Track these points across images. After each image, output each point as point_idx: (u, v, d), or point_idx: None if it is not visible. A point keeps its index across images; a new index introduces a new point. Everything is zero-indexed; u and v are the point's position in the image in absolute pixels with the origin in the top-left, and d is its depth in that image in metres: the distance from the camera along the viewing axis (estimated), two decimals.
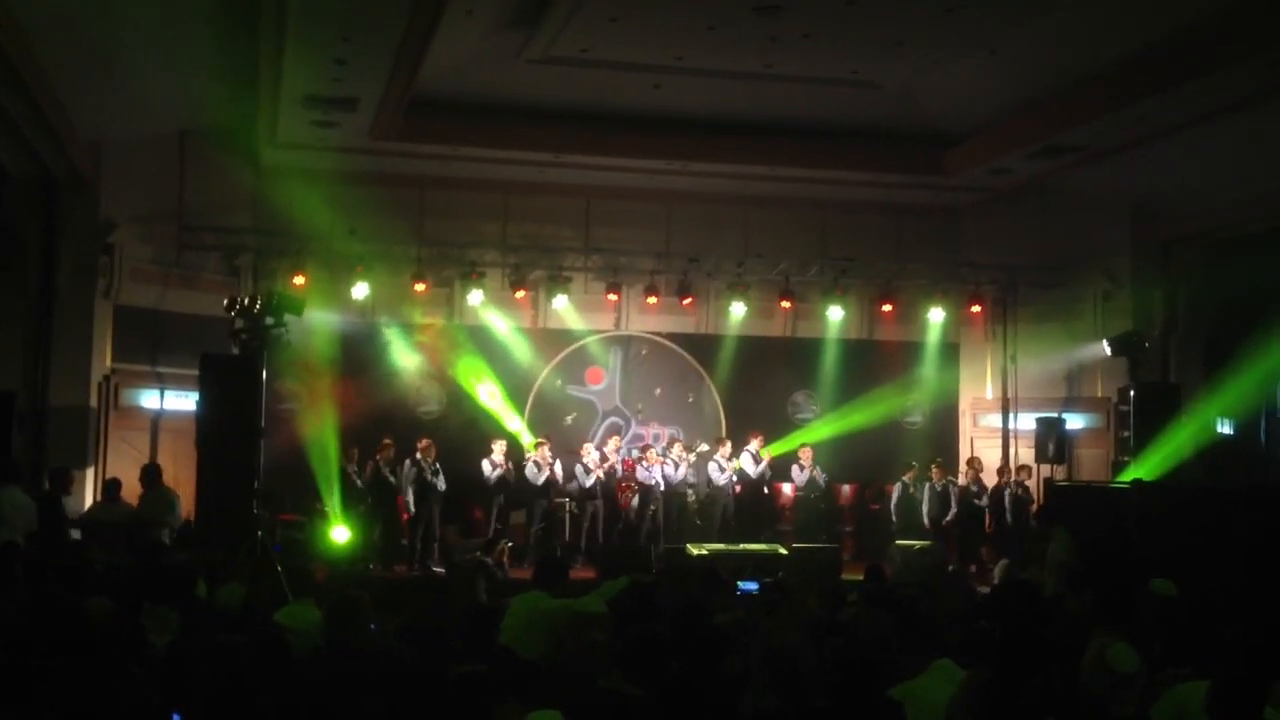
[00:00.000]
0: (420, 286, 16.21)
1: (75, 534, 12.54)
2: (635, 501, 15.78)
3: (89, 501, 13.93)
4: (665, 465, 16.05)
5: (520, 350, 17.23)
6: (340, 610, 6.42)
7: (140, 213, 15.60)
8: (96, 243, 15.07)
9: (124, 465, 14.58)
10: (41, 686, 5.48)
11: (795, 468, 16.60)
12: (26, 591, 7.98)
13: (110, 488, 13.19)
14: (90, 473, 14.59)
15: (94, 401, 15.02)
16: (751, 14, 12.54)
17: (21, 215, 14.98)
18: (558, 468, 15.85)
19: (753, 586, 9.25)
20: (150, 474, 13.29)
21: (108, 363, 15.29)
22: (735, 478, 16.23)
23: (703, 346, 18.05)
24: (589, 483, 15.74)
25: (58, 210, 15.05)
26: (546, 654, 6.95)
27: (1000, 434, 18.39)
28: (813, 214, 18.12)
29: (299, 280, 15.50)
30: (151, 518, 12.63)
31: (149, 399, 15.59)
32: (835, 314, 17.68)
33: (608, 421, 17.70)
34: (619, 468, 15.98)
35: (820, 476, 16.50)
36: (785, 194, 17.71)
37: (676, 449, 16.35)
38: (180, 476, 13.80)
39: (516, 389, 17.17)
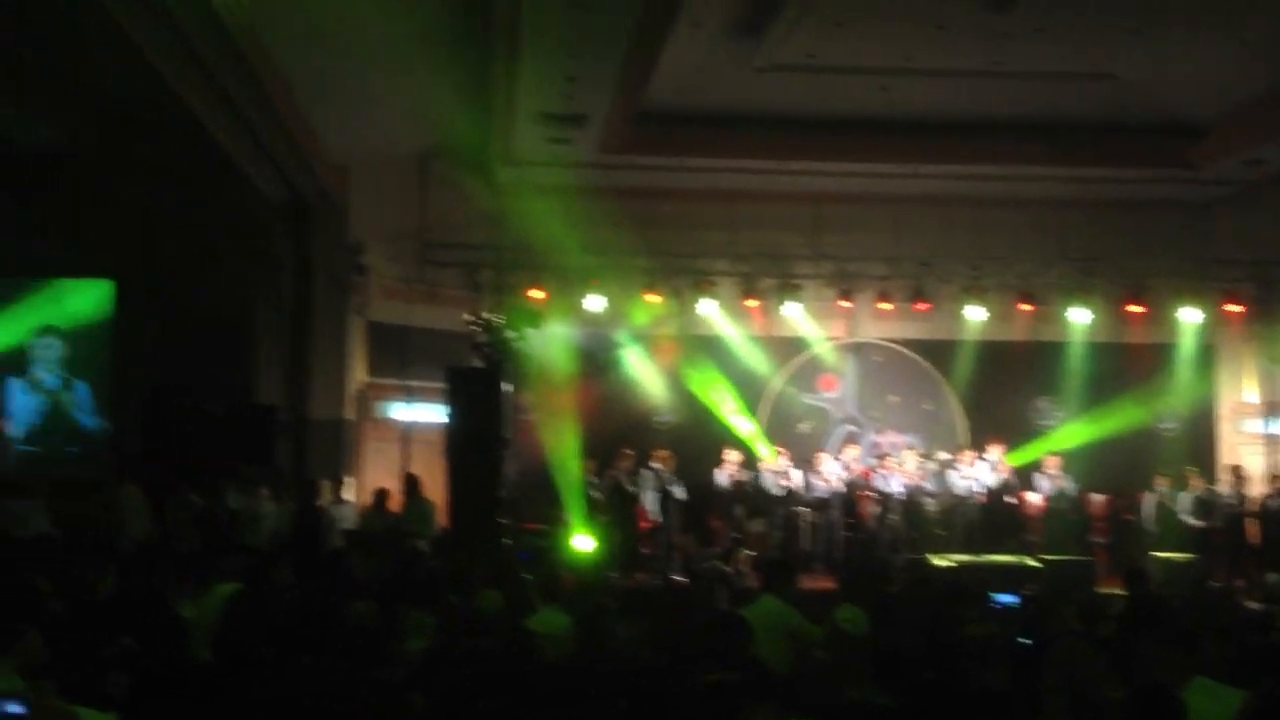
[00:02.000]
0: (652, 297, 16.40)
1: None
2: (875, 511, 15.53)
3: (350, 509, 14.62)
4: (904, 474, 15.72)
5: (753, 358, 17.23)
6: (590, 617, 6.53)
7: (387, 232, 16.22)
8: (348, 262, 15.78)
9: (379, 475, 15.27)
10: (306, 685, 5.74)
11: (1042, 477, 15.97)
12: (291, 596, 8.36)
13: (378, 498, 13.90)
14: (349, 482, 15.23)
15: (350, 414, 15.73)
16: (981, 11, 12.21)
17: (278, 238, 15.82)
18: (796, 476, 15.73)
19: (1009, 599, 8.95)
20: (411, 485, 13.97)
21: (362, 376, 16.00)
22: (978, 487, 15.78)
23: (939, 352, 17.63)
24: (826, 492, 15.57)
25: (311, 232, 15.83)
26: (793, 664, 6.90)
27: (1264, 440, 17.32)
28: (1050, 213, 17.43)
29: (537, 294, 15.88)
30: (409, 527, 13.23)
31: (400, 411, 16.23)
32: (1079, 316, 17.01)
33: (842, 429, 17.49)
34: (858, 477, 15.76)
35: (1070, 485, 15.84)
36: (1020, 194, 17.14)
37: (915, 457, 16.01)
38: (430, 485, 14.29)
39: (750, 397, 17.16)
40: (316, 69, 12.33)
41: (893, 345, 17.75)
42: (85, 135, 14.61)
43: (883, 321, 17.51)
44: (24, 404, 15.94)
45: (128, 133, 14.52)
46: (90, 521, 12.96)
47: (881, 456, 16.26)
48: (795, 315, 16.93)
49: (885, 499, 15.54)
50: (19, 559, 9.80)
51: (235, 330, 15.69)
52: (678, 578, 14.63)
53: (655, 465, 15.29)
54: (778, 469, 15.71)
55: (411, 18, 11.64)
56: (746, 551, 14.62)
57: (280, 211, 15.69)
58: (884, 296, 16.90)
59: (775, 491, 15.58)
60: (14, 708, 4.56)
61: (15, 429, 15.90)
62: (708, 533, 15.96)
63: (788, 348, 17.51)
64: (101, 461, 15.09)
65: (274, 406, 15.02)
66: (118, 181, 15.15)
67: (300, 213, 15.75)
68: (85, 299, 16.06)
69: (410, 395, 16.26)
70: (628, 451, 15.34)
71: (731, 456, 15.71)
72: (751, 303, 16.75)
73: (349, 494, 14.96)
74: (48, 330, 16.00)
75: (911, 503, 15.58)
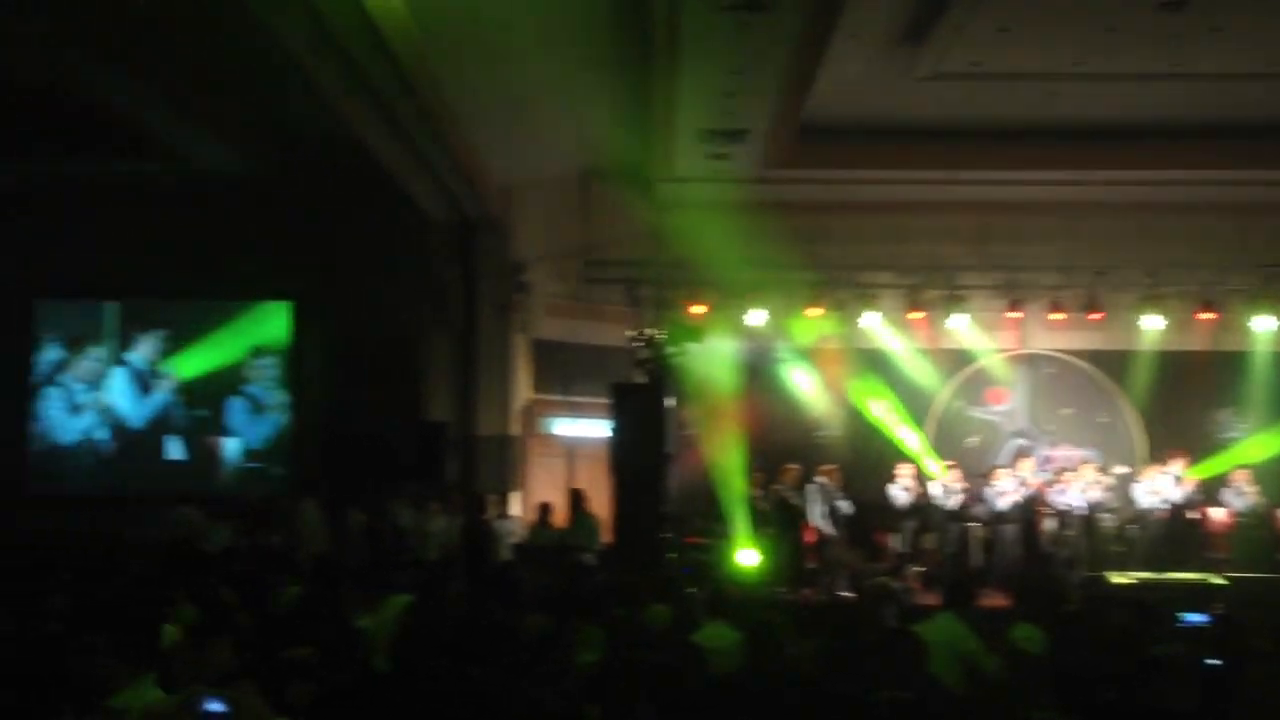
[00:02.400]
0: (815, 311, 16.25)
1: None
2: (1050, 526, 15.09)
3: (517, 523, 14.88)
4: (1080, 488, 15.22)
5: (919, 371, 16.92)
6: (759, 632, 6.49)
7: (548, 251, 16.49)
8: (511, 281, 16.09)
9: (544, 490, 15.49)
10: (481, 696, 5.83)
11: (1228, 491, 15.30)
12: (463, 608, 8.51)
13: (543, 512, 14.14)
14: (515, 496, 15.50)
15: (516, 430, 15.99)
16: (1155, 12, 11.77)
17: (444, 259, 16.21)
18: (964, 490, 15.39)
19: (1198, 618, 8.56)
20: (576, 499, 14.19)
21: (527, 393, 16.25)
22: (1160, 502, 15.20)
23: (1115, 363, 17.01)
24: (1001, 507, 15.18)
25: (476, 252, 16.17)
26: (969, 684, 6.74)
27: None
28: (1231, 218, 16.67)
29: (698, 309, 15.91)
30: (576, 541, 13.42)
31: (564, 426, 16.45)
32: (1263, 324, 16.26)
33: (1012, 443, 17.03)
34: (1034, 491, 15.34)
35: (1260, 500, 15.13)
36: (1198, 198, 16.47)
37: (1091, 471, 15.51)
38: (596, 499, 14.43)
39: (916, 410, 16.83)
40: (482, 94, 12.59)
41: (1065, 356, 17.24)
42: (265, 161, 15.26)
43: (1054, 332, 16.97)
44: (245, 422, 16.82)
45: (303, 158, 15.12)
46: (272, 535, 13.52)
47: (1059, 471, 15.79)
48: (962, 327, 16.58)
49: (1062, 514, 15.09)
50: (207, 571, 10.20)
51: (405, 349, 16.16)
52: (845, 593, 14.45)
53: (820, 479, 15.14)
54: (949, 483, 15.41)
55: (574, 41, 11.79)
56: (915, 567, 14.38)
57: (447, 233, 16.09)
58: (1055, 306, 16.41)
59: (947, 506, 15.28)
60: (216, 706, 4.73)
61: (236, 446, 16.78)
62: (875, 548, 15.76)
63: (955, 360, 17.15)
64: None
65: (443, 423, 15.39)
66: (295, 206, 15.86)
67: (466, 233, 16.13)
68: (280, 321, 16.89)
69: (574, 411, 16.45)
70: (792, 466, 15.21)
71: (904, 471, 15.46)
72: (917, 315, 16.46)
73: (515, 508, 15.21)
74: (261, 350, 16.81)
75: (1090, 518, 15.08)
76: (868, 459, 16.13)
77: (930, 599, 13.18)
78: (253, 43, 10.69)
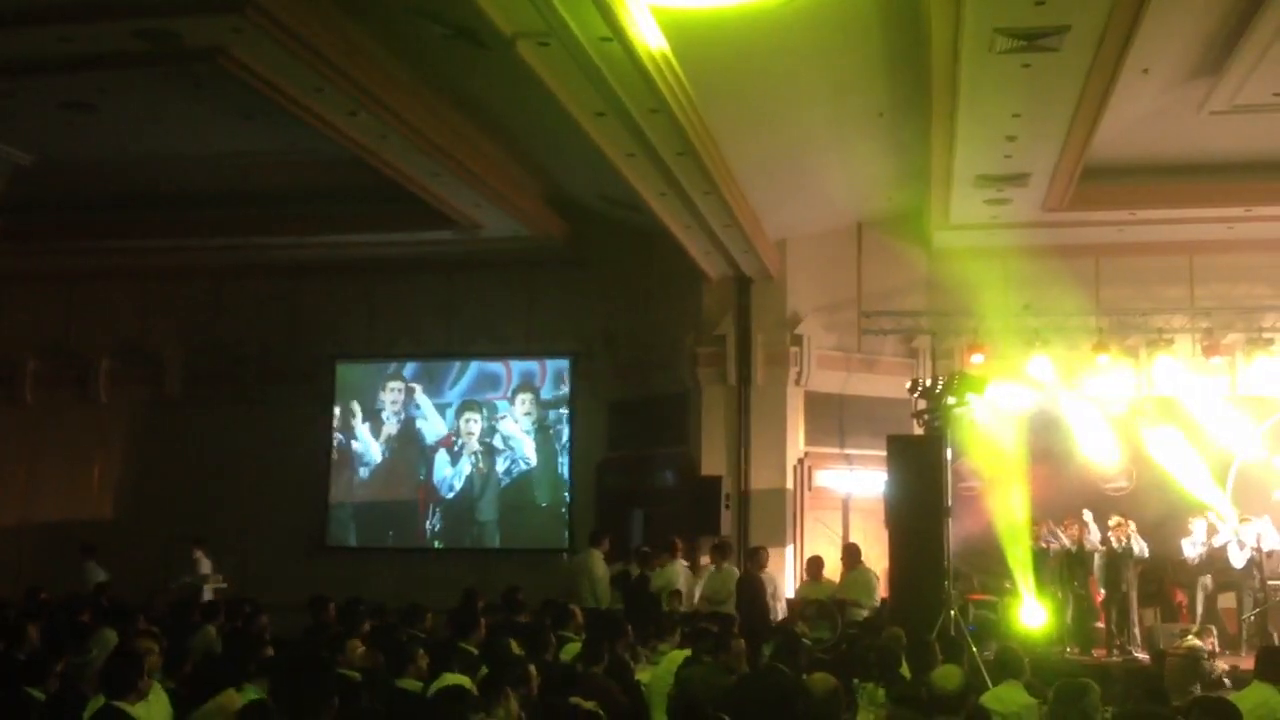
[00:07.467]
0: (1103, 358, 15.53)
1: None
2: None
3: (790, 577, 14.79)
4: None
5: (1218, 420, 15.83)
6: (1068, 697, 6.16)
7: (822, 303, 16.43)
8: (786, 334, 16.09)
9: (818, 544, 15.33)
10: None
11: None
12: (741, 663, 8.45)
13: (813, 566, 14.00)
14: (789, 551, 15.43)
15: (790, 483, 15.91)
16: None
17: (719, 313, 16.38)
18: (1272, 545, 14.32)
19: None
20: (851, 554, 14.01)
21: (801, 446, 16.18)
22: None
23: None
24: None
25: (751, 307, 16.26)
26: None
27: None
28: None
29: (977, 359, 15.47)
30: (851, 597, 13.20)
31: (838, 480, 16.25)
32: None
33: None
34: None
35: None
36: None
37: None
38: (871, 554, 14.19)
39: (1216, 462, 15.71)
40: (758, 151, 12.72)
41: None
42: (546, 224, 15.87)
43: None
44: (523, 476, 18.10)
45: (581, 220, 15.69)
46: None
47: None
48: (1268, 372, 15.45)
49: None
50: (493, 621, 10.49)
51: (680, 404, 16.38)
52: (1139, 655, 13.67)
53: (1110, 534, 14.38)
54: (1245, 539, 14.35)
55: (848, 92, 11.78)
56: (1213, 628, 13.48)
57: (722, 288, 16.28)
58: None
59: (1239, 564, 14.25)
60: None
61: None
62: (1170, 607, 14.84)
63: (1260, 408, 15.95)
64: None
65: (719, 477, 15.50)
66: (574, 266, 16.43)
67: (741, 289, 16.26)
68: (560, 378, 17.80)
69: (849, 463, 16.24)
70: (1078, 520, 14.49)
71: (1197, 526, 14.53)
72: (1216, 360, 15.51)
73: (788, 562, 15.10)
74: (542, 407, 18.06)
75: None
76: (1161, 512, 15.07)
77: (1229, 661, 12.41)
78: (537, 111, 11.17)
